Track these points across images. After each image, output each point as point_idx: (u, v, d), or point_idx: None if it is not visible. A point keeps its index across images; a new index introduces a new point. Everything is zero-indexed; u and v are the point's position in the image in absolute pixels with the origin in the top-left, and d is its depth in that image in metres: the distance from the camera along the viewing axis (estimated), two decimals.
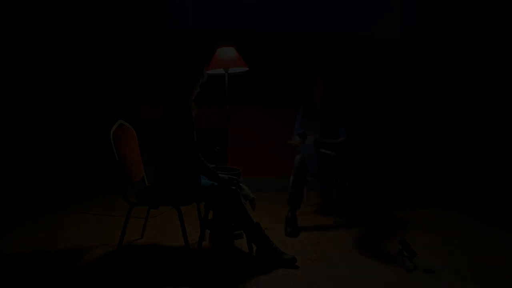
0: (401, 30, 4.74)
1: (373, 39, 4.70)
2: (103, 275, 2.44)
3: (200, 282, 2.35)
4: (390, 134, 4.75)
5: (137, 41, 4.53)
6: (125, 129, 2.84)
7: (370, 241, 3.03)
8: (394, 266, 2.56)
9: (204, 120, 4.44)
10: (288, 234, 3.14)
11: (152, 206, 2.74)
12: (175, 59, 4.53)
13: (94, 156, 4.45)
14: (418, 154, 4.76)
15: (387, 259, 2.65)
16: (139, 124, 3.15)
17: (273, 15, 4.70)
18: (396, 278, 2.40)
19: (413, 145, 4.76)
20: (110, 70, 4.52)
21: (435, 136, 4.77)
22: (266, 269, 2.50)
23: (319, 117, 3.57)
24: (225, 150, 4.43)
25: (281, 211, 3.52)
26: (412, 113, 4.77)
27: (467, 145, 4.73)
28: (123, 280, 2.38)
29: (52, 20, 4.43)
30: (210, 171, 2.56)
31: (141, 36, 4.53)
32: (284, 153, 4.05)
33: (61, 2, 4.43)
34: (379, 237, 3.11)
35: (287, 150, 3.52)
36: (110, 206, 3.92)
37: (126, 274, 2.46)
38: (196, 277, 2.41)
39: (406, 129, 4.76)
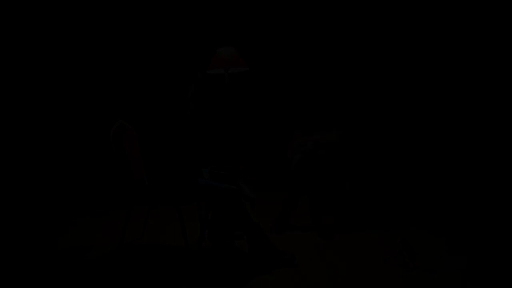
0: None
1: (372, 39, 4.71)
2: (103, 275, 2.44)
3: (200, 282, 2.35)
4: (389, 134, 4.75)
5: (138, 41, 4.53)
6: (125, 129, 2.84)
7: (370, 241, 3.03)
8: (395, 266, 2.55)
9: (206, 121, 4.45)
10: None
11: (152, 206, 2.74)
12: (174, 59, 4.53)
13: (94, 156, 4.45)
14: (418, 158, 4.75)
15: (388, 259, 2.64)
16: (139, 124, 3.15)
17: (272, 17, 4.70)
18: (396, 278, 2.40)
19: (412, 148, 4.76)
20: (110, 70, 4.53)
21: (434, 138, 4.77)
22: (266, 269, 2.50)
23: (320, 127, 3.56)
24: (227, 151, 4.43)
25: (287, 212, 3.52)
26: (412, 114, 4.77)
27: (462, 150, 4.72)
28: (123, 280, 2.38)
29: (53, 20, 4.43)
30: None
31: (142, 36, 4.54)
32: (284, 154, 4.05)
33: (61, 2, 4.43)
34: (379, 237, 3.11)
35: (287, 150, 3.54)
36: (110, 206, 3.92)
37: (126, 274, 2.46)
38: (196, 277, 2.41)
39: (405, 131, 4.76)
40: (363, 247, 2.90)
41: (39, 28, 4.41)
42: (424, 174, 4.74)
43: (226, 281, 2.36)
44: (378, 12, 4.67)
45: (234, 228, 2.87)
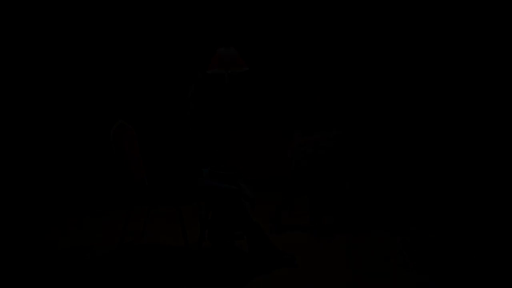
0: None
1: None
2: (103, 275, 2.44)
3: (200, 282, 2.35)
4: (389, 134, 4.74)
5: (138, 41, 4.53)
6: (125, 129, 2.84)
7: (370, 241, 3.03)
8: (395, 266, 2.56)
9: (206, 121, 4.45)
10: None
11: (152, 206, 2.75)
12: (174, 59, 4.53)
13: (94, 156, 4.45)
14: (419, 158, 4.74)
15: (388, 260, 2.65)
16: (139, 124, 3.15)
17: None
18: (397, 278, 2.40)
19: (413, 147, 4.75)
20: (110, 70, 4.52)
21: (434, 138, 4.77)
22: (266, 269, 2.50)
23: (320, 127, 3.57)
24: (227, 151, 4.43)
25: (280, 212, 3.53)
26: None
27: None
28: (123, 280, 2.38)
29: (53, 20, 4.43)
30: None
31: (143, 36, 4.54)
32: (284, 154, 4.06)
33: (61, 2, 4.43)
34: (379, 237, 3.11)
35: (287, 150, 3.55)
36: (110, 206, 3.92)
37: (126, 274, 2.46)
38: (196, 277, 2.41)
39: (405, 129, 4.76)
40: (363, 247, 2.90)
41: (39, 28, 4.41)
42: (424, 173, 4.73)
43: (226, 281, 2.36)
44: (378, 12, 4.67)
45: (234, 228, 2.87)
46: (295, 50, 4.71)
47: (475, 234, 3.19)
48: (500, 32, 4.52)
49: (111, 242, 2.92)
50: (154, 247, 2.90)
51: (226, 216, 2.77)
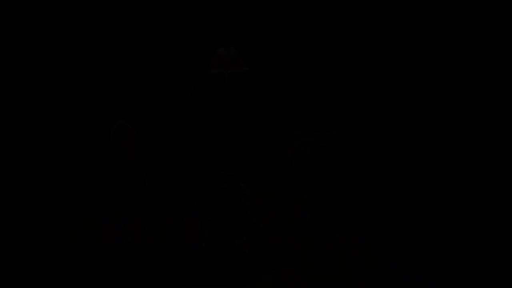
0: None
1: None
2: (103, 275, 2.44)
3: (200, 282, 2.35)
4: (390, 133, 4.74)
5: (138, 41, 4.53)
6: (125, 129, 2.84)
7: (370, 241, 3.03)
8: (395, 266, 2.55)
9: (206, 121, 4.44)
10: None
11: (152, 206, 2.75)
12: (174, 59, 4.53)
13: (94, 156, 4.45)
14: (419, 158, 4.74)
15: (387, 260, 2.64)
16: (139, 124, 3.15)
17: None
18: (396, 278, 2.40)
19: (413, 147, 4.75)
20: (110, 70, 4.52)
21: (434, 138, 4.76)
22: (266, 269, 2.50)
23: (320, 127, 3.57)
24: (227, 151, 4.43)
25: (280, 212, 3.53)
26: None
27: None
28: (123, 280, 2.38)
29: (53, 20, 4.43)
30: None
31: (143, 36, 4.54)
32: (284, 154, 4.05)
33: (61, 2, 4.43)
34: (379, 237, 3.11)
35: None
36: (110, 206, 3.92)
37: (126, 274, 2.46)
38: (196, 277, 2.41)
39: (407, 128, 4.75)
40: (363, 247, 2.90)
41: (39, 28, 4.41)
42: (424, 173, 4.73)
43: (226, 281, 2.36)
44: (378, 12, 4.67)
45: (234, 228, 2.87)
46: (295, 50, 4.71)
47: (475, 234, 3.19)
48: (500, 32, 4.52)
49: (111, 242, 2.92)
50: (154, 247, 2.90)
51: (226, 216, 2.77)
